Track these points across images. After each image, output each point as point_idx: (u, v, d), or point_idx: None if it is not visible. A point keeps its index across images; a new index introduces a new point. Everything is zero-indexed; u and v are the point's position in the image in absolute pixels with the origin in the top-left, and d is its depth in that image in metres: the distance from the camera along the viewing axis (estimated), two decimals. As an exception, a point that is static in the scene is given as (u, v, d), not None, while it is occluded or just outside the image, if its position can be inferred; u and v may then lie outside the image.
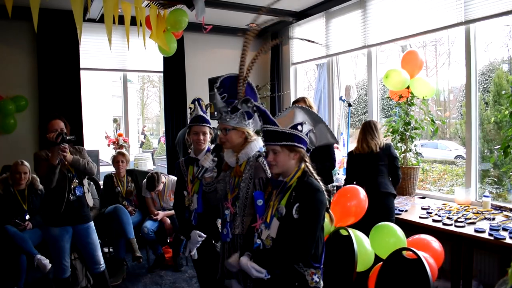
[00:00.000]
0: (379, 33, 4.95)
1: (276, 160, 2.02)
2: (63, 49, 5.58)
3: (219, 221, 2.56)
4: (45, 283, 4.37)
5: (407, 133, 4.36)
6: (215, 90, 2.39)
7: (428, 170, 4.73)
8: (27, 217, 4.31)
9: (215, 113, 2.45)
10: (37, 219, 4.25)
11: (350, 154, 3.90)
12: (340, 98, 5.50)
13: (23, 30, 5.45)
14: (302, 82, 6.74)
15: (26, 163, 4.37)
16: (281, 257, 1.91)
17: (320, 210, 1.92)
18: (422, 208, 3.78)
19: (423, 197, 4.33)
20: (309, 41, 2.66)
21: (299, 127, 1.99)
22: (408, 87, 4.32)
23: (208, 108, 3.16)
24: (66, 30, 5.49)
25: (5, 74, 5.43)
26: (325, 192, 1.97)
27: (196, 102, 2.97)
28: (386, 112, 5.87)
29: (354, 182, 3.71)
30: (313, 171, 2.04)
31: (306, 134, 2.02)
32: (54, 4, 5.27)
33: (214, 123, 3.00)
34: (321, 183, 2.01)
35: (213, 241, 2.88)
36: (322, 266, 2.03)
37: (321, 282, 2.01)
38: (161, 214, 4.86)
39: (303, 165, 2.03)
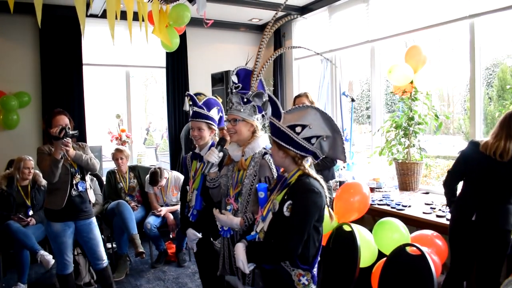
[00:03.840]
0: (383, 28, 4.93)
1: (272, 151, 2.04)
2: (66, 45, 5.60)
3: (214, 211, 2.54)
4: (48, 278, 4.40)
5: (411, 128, 4.34)
6: (230, 78, 2.37)
7: (431, 166, 4.70)
8: (30, 212, 4.33)
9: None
10: (40, 214, 4.26)
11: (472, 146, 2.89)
12: (343, 93, 5.48)
13: (25, 25, 5.45)
14: (305, 77, 6.71)
15: (31, 158, 4.39)
16: (267, 252, 1.90)
17: (311, 210, 1.86)
18: (426, 204, 3.76)
19: (427, 193, 4.31)
20: (308, 49, 2.62)
21: (298, 129, 1.88)
22: (411, 82, 4.30)
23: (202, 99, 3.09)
24: (69, 26, 5.49)
25: (8, 70, 5.44)
26: (322, 193, 1.89)
27: (186, 97, 2.95)
28: (390, 107, 5.85)
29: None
30: (312, 173, 1.95)
31: (309, 139, 1.89)
32: (57, 0, 5.26)
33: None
34: (321, 183, 1.94)
35: (211, 239, 2.87)
36: (314, 269, 1.96)
37: (312, 286, 1.95)
38: (164, 210, 4.86)
39: (302, 167, 1.94)
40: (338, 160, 3.96)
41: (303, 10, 5.90)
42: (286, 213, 1.87)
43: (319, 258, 2.01)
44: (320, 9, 5.70)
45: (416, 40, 4.54)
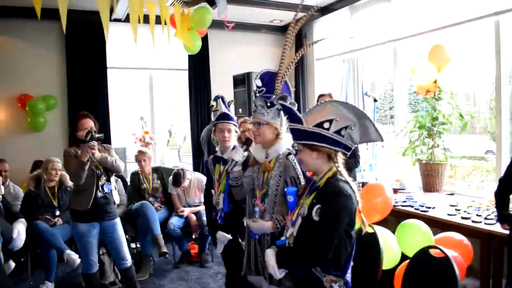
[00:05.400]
0: (406, 27, 4.87)
1: (300, 158, 2.01)
2: (90, 49, 5.72)
3: (245, 220, 2.57)
4: (74, 277, 4.48)
5: (435, 128, 4.27)
6: (253, 81, 2.41)
7: (456, 166, 4.61)
8: (57, 213, 4.43)
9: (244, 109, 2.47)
10: (67, 215, 4.35)
11: None
12: (365, 94, 5.43)
13: (51, 30, 5.59)
14: (326, 78, 6.68)
15: (58, 160, 4.49)
16: (297, 258, 1.89)
17: (340, 214, 1.83)
18: (451, 205, 3.68)
19: (452, 194, 4.22)
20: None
21: (326, 125, 1.86)
22: (435, 81, 4.22)
23: (231, 105, 3.17)
24: (94, 30, 5.60)
25: (35, 74, 5.60)
26: (352, 196, 1.86)
27: (219, 99, 2.99)
28: (413, 107, 5.76)
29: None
30: (344, 173, 1.92)
31: (339, 132, 1.86)
32: (81, 5, 5.38)
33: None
34: (351, 185, 1.90)
35: (240, 240, 2.90)
36: (347, 275, 1.92)
37: None
38: (186, 210, 4.91)
39: (334, 167, 1.92)
40: (360, 160, 3.96)
41: (324, 10, 5.87)
42: (315, 218, 1.85)
43: (352, 264, 1.97)
44: (342, 9, 5.66)
45: (440, 39, 4.45)
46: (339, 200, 1.83)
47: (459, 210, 3.49)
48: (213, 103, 3.11)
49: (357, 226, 2.76)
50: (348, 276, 1.94)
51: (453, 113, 4.26)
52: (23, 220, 3.70)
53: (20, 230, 3.52)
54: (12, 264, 3.83)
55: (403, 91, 5.13)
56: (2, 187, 4.24)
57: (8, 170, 4.89)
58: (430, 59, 4.23)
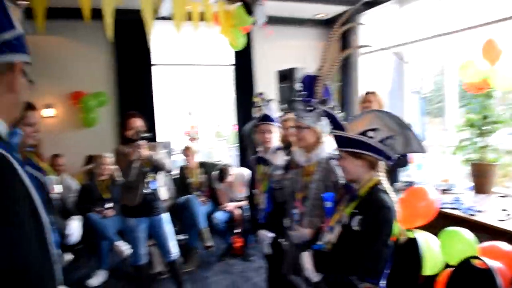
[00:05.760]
0: (456, 21, 4.66)
1: (342, 165, 2.02)
2: (137, 47, 5.86)
3: (286, 222, 2.61)
4: (127, 266, 4.70)
5: (486, 127, 4.08)
6: (296, 79, 2.42)
7: (510, 165, 4.37)
8: (109, 205, 4.65)
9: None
10: (118, 207, 4.57)
11: None
12: (413, 90, 5.28)
13: (101, 29, 5.77)
14: (371, 73, 6.52)
15: (109, 155, 4.70)
16: (336, 265, 1.92)
17: (382, 227, 1.86)
18: (503, 210, 3.45)
19: (504, 196, 3.98)
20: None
21: (370, 133, 1.88)
22: (486, 78, 4.02)
23: (271, 103, 3.16)
24: (141, 29, 5.76)
25: (87, 72, 5.83)
26: (393, 208, 1.88)
27: (261, 97, 3.02)
28: (464, 101, 5.53)
29: None
30: (384, 183, 1.94)
31: (382, 141, 1.88)
32: (128, 5, 5.53)
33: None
34: (391, 196, 1.92)
35: (279, 240, 2.94)
36: (382, 283, 1.94)
37: None
38: (230, 205, 5.02)
39: (375, 175, 1.94)
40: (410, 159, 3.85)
41: (371, 3, 5.72)
42: (356, 228, 1.87)
43: (387, 271, 1.98)
44: (389, 1, 5.50)
45: (492, 34, 4.23)
46: (381, 212, 1.86)
47: (509, 215, 3.32)
48: (255, 99, 3.13)
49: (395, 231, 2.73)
50: (383, 283, 1.96)
51: (504, 113, 4.05)
52: (78, 217, 3.95)
53: (74, 227, 3.74)
54: (69, 256, 4.09)
55: (453, 86, 4.94)
56: (61, 186, 4.53)
57: (63, 164, 5.19)
58: (481, 55, 4.03)
